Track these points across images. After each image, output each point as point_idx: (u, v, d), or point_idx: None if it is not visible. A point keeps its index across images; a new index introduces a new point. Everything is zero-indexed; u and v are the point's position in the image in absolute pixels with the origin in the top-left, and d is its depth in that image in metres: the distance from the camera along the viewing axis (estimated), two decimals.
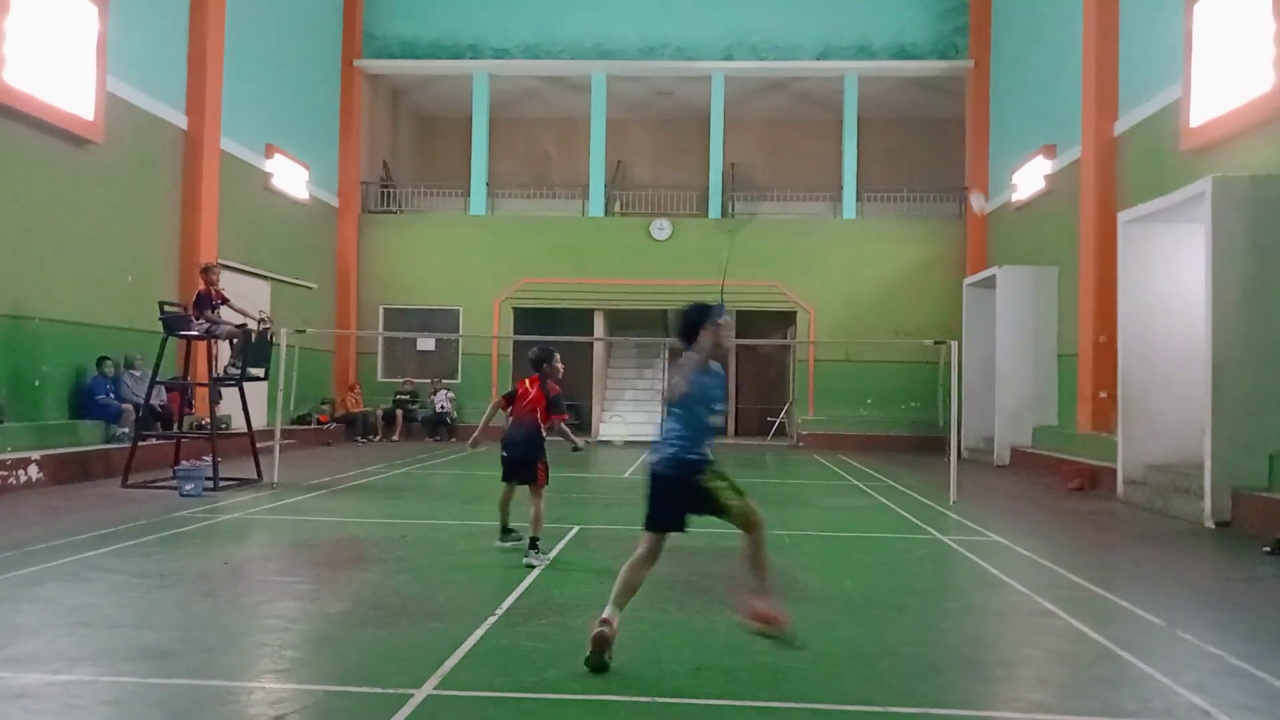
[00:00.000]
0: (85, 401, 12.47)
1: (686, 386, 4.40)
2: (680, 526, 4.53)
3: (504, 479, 7.33)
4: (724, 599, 5.84)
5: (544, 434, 7.22)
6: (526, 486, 7.11)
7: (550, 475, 7.20)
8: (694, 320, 4.47)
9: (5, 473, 10.18)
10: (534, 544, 6.86)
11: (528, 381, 7.30)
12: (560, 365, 7.35)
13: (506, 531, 7.35)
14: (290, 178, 18.80)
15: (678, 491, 4.46)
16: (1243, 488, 9.44)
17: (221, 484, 10.81)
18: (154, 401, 12.18)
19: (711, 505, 4.42)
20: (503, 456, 7.26)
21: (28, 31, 11.42)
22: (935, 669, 4.56)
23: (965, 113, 21.63)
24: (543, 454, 7.15)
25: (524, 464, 7.12)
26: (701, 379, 4.47)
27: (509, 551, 7.16)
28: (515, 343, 21.80)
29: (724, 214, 22.13)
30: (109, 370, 12.67)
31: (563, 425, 7.43)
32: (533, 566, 6.64)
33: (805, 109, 23.91)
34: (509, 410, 7.27)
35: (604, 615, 4.33)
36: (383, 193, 22.70)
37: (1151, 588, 6.64)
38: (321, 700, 3.96)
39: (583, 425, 23.22)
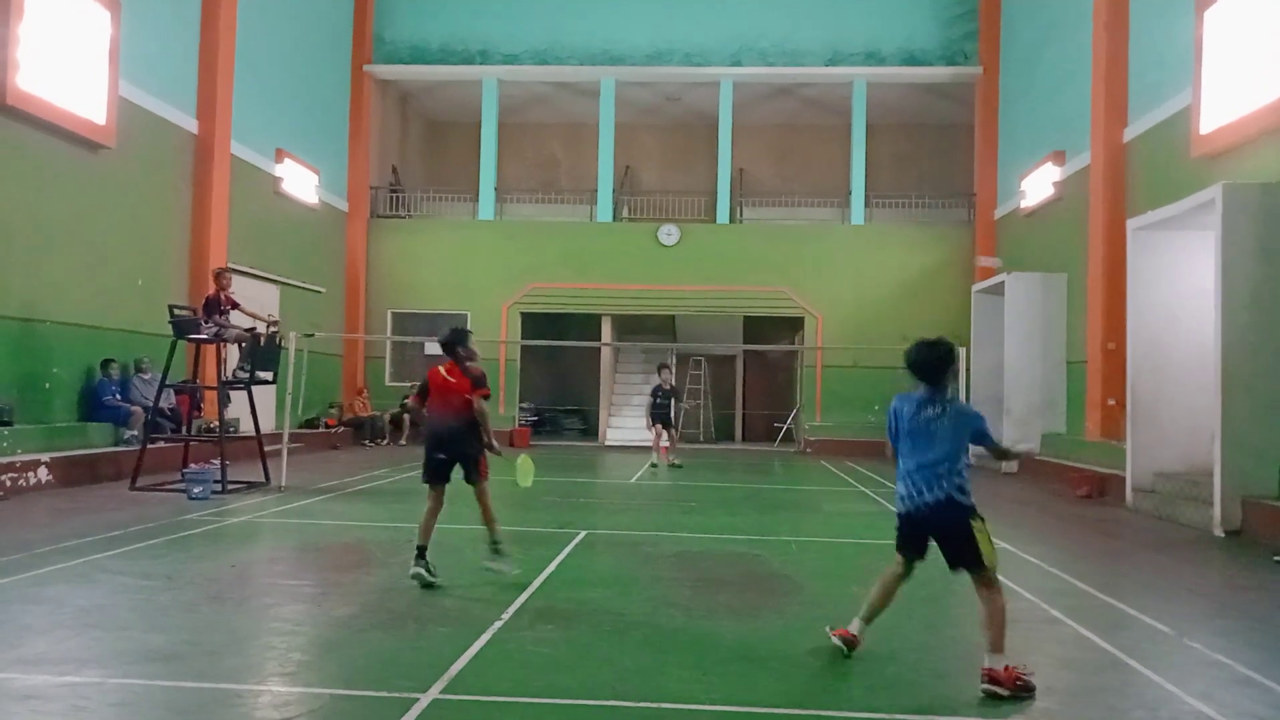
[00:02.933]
0: (93, 403, 12.53)
1: None
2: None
3: (431, 482, 6.32)
4: (728, 605, 5.84)
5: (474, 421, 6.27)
6: (471, 487, 6.35)
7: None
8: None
9: (15, 474, 10.24)
10: (496, 547, 6.28)
11: (443, 369, 6.33)
12: (475, 347, 6.51)
13: (423, 554, 6.08)
14: (300, 182, 18.88)
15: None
16: (1253, 496, 9.39)
17: (230, 487, 10.85)
18: (163, 404, 12.23)
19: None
20: (436, 458, 6.29)
21: (41, 36, 11.50)
22: (941, 675, 4.55)
23: (974, 119, 21.59)
24: (480, 444, 6.31)
25: (464, 459, 6.26)
26: None
27: (418, 580, 6.04)
28: (524, 348, 21.85)
29: (732, 219, 22.15)
30: (114, 372, 12.72)
31: (482, 404, 6.27)
32: (500, 572, 6.18)
33: (814, 114, 23.91)
34: (424, 405, 6.41)
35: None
36: (392, 197, 22.77)
37: (1160, 596, 6.61)
38: (328, 704, 3.97)
39: (590, 430, 23.29)
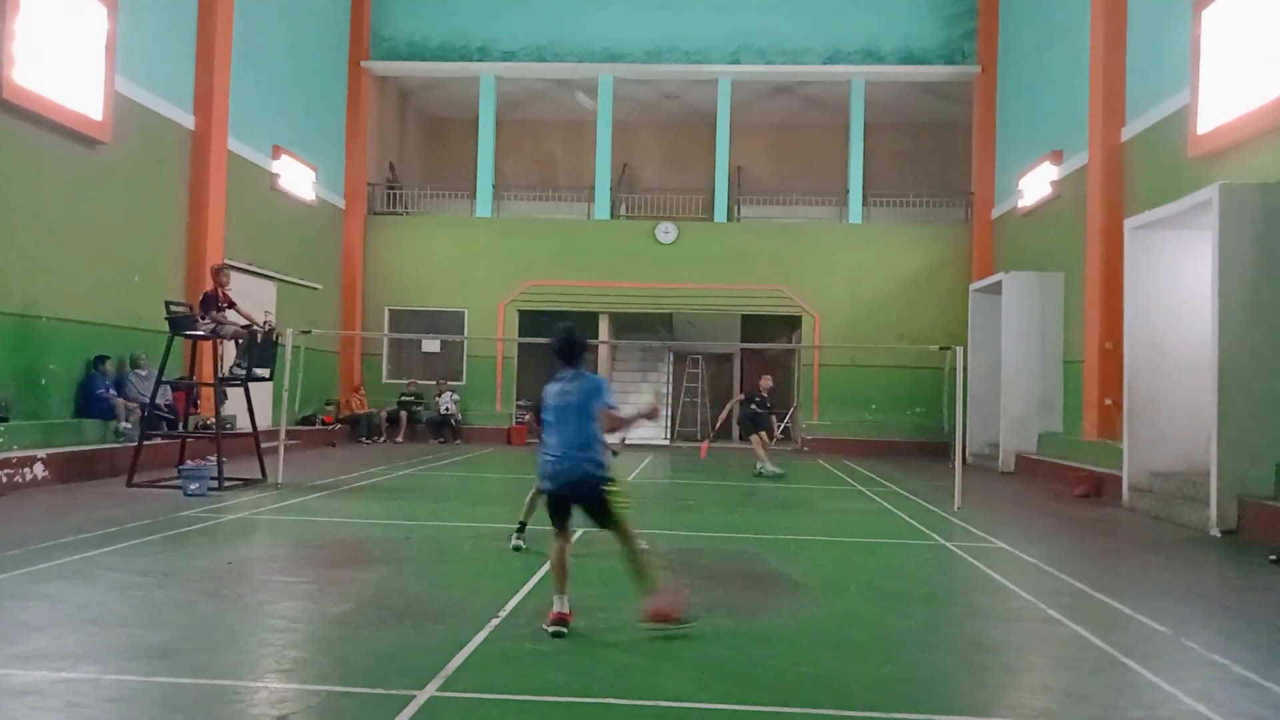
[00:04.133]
0: (89, 399, 12.48)
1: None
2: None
3: None
4: (725, 603, 5.84)
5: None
6: None
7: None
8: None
9: (12, 470, 10.21)
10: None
11: None
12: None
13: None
14: (297, 179, 18.84)
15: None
16: (1249, 496, 9.40)
17: (226, 484, 10.84)
18: (159, 400, 12.20)
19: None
20: None
21: (37, 31, 11.46)
22: (939, 674, 4.55)
23: (972, 118, 21.60)
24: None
25: None
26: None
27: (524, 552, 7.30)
28: (520, 346, 21.83)
29: (730, 218, 22.14)
30: (108, 369, 12.65)
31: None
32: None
33: (812, 113, 23.91)
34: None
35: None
36: (389, 194, 22.74)
37: (1156, 595, 6.62)
38: (324, 700, 3.96)
39: None
